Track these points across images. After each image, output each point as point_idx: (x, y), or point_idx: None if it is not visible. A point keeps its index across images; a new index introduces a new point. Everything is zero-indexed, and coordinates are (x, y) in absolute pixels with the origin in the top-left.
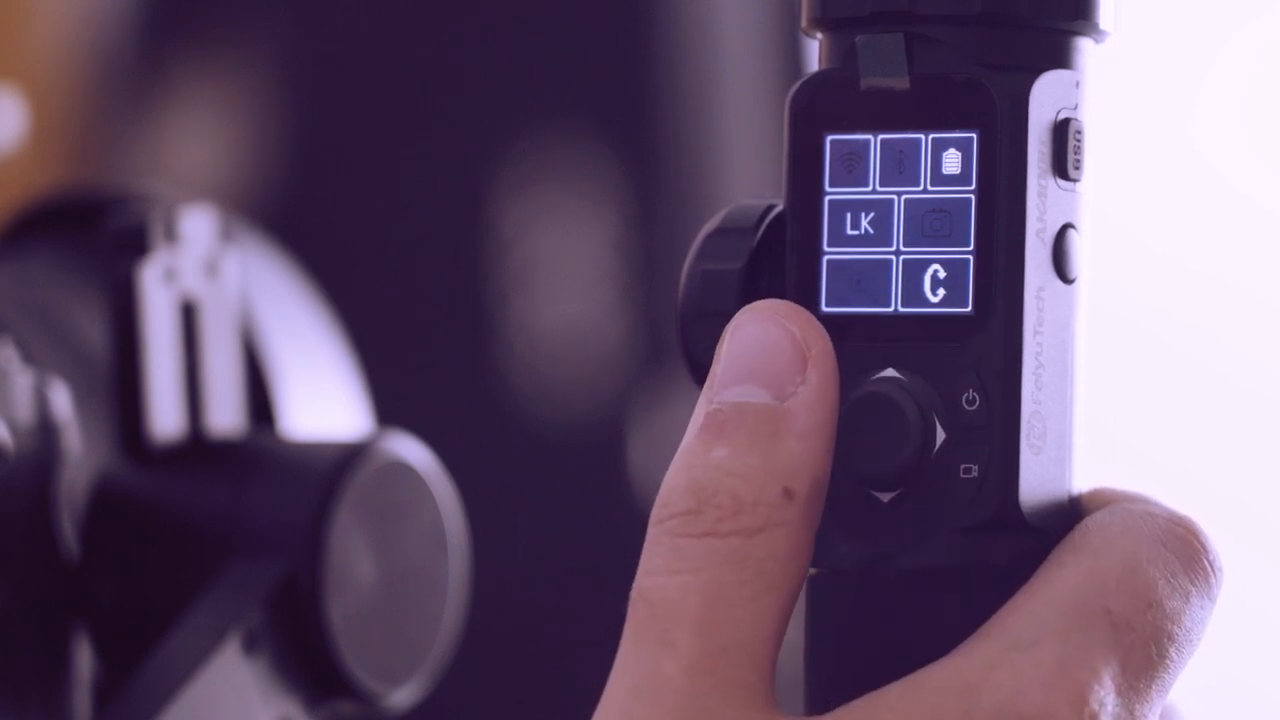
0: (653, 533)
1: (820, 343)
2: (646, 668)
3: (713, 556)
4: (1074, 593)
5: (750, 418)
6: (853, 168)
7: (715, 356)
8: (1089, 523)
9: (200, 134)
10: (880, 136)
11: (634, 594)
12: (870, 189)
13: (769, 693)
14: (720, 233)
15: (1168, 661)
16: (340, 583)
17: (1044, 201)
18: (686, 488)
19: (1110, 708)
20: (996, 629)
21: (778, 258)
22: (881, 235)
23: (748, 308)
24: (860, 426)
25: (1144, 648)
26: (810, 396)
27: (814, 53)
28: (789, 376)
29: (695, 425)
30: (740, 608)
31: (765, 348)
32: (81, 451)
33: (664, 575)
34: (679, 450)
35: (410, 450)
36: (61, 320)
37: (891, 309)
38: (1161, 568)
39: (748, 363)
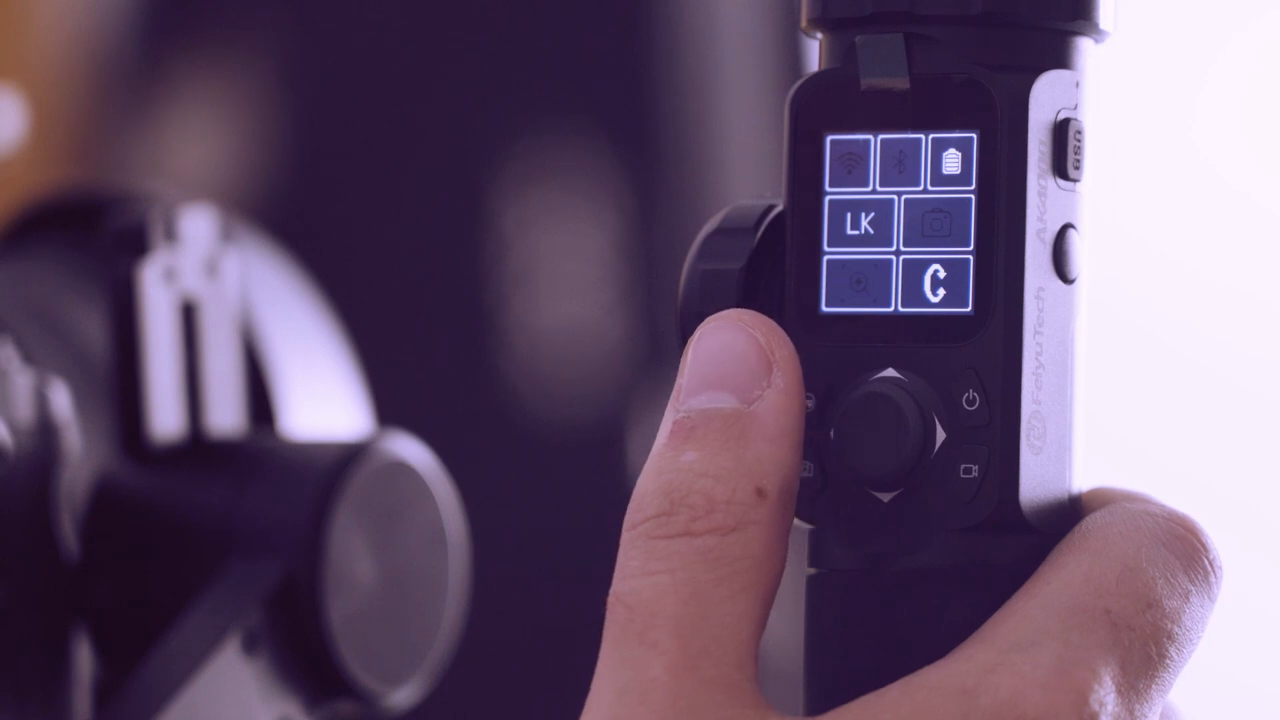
0: (627, 537)
1: (784, 348)
2: (630, 669)
3: (688, 556)
4: (1073, 593)
5: (718, 422)
6: (853, 168)
7: (680, 367)
8: (1088, 523)
9: (200, 134)
10: (880, 136)
11: (611, 598)
12: (870, 189)
13: (755, 690)
14: (720, 233)
15: (1167, 661)
16: (340, 583)
17: (1044, 201)
18: (658, 491)
19: (1110, 708)
20: (995, 630)
21: (778, 258)
22: (881, 235)
23: (710, 318)
24: (860, 426)
25: (1143, 648)
26: (777, 400)
27: (814, 53)
28: (755, 381)
29: (664, 433)
30: (718, 606)
31: (730, 355)
32: (81, 451)
33: (640, 577)
34: (649, 458)
35: (410, 450)
36: (61, 320)
37: (891, 309)
38: (1161, 567)
39: (713, 370)
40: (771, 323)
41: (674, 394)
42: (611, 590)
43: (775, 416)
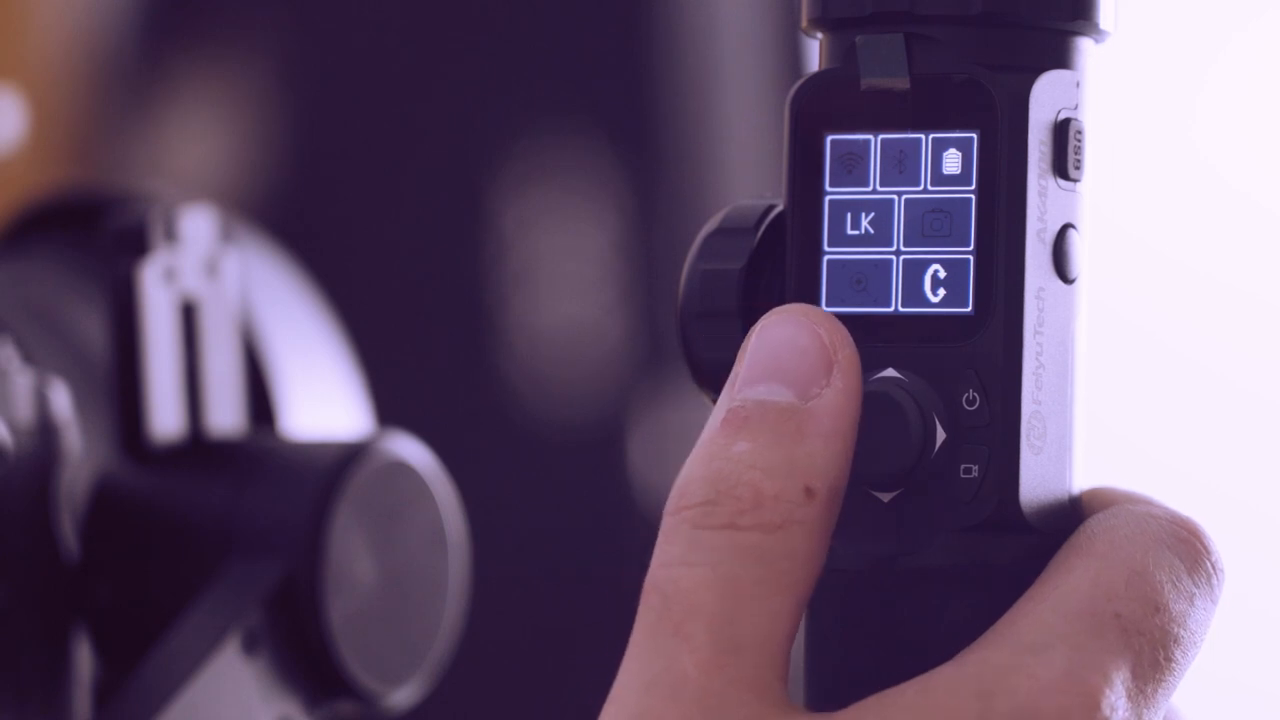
0: (669, 522)
1: (847, 348)
2: (661, 662)
3: (732, 551)
4: (1083, 597)
5: (774, 415)
6: (853, 168)
7: (739, 355)
8: (1093, 525)
9: (200, 134)
10: (880, 136)
11: (648, 585)
12: (870, 189)
13: (784, 691)
14: (720, 233)
15: (1174, 664)
16: (340, 583)
17: (1044, 201)
18: (705, 478)
19: (1121, 712)
20: (1008, 632)
21: (778, 258)
22: (881, 235)
23: (775, 310)
24: (861, 426)
25: (1152, 651)
26: (835, 400)
27: (814, 53)
28: (814, 379)
29: (716, 420)
30: (757, 604)
31: (793, 349)
32: (81, 451)
33: (680, 567)
34: (698, 443)
35: (410, 450)
36: (61, 320)
37: (892, 309)
38: (1167, 571)
39: (774, 362)
40: (836, 321)
41: (729, 382)
42: (649, 576)
43: (832, 416)
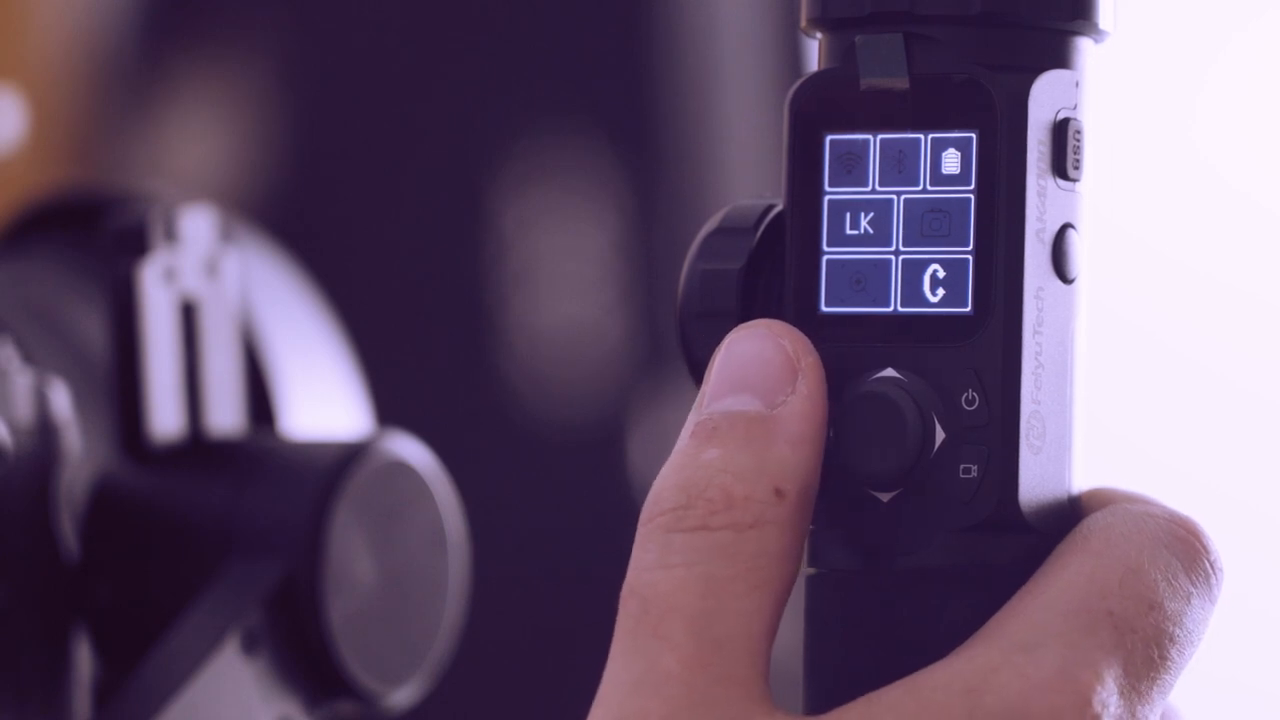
0: (643, 530)
1: (810, 356)
2: (643, 663)
3: (706, 551)
4: (1076, 595)
5: (741, 423)
6: (852, 168)
7: (706, 373)
8: (1089, 524)
9: (200, 134)
10: (879, 136)
11: (625, 592)
12: (869, 189)
13: (765, 689)
14: (720, 232)
15: (1169, 662)
16: (340, 583)
17: (1043, 201)
18: (677, 486)
19: (1113, 709)
20: (999, 630)
21: (777, 258)
22: (881, 235)
23: (739, 326)
24: (860, 426)
25: (1145, 649)
26: (800, 405)
27: (814, 53)
28: (780, 387)
29: (685, 434)
30: (734, 601)
31: (757, 361)
32: (81, 451)
33: (657, 570)
34: (670, 457)
35: (410, 450)
36: (61, 320)
37: (891, 309)
38: (1163, 569)
39: (739, 375)
40: (798, 332)
41: (698, 399)
42: (625, 584)
43: (798, 421)
